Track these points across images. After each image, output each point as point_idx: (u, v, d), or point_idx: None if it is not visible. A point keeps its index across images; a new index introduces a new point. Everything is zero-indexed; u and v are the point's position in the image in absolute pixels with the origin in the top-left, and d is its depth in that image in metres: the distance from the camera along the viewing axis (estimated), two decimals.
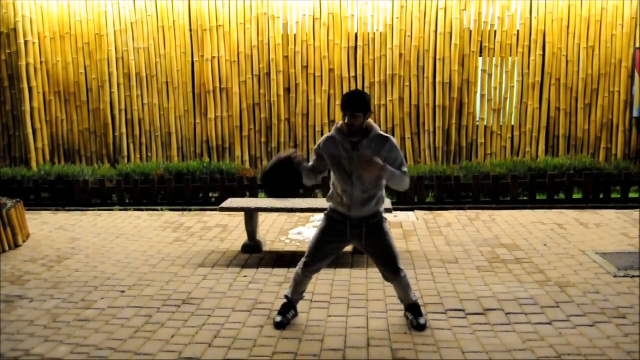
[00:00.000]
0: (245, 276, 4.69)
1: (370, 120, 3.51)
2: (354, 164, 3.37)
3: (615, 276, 4.50)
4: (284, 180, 3.42)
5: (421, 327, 3.60)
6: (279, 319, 3.69)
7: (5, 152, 8.46)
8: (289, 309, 3.75)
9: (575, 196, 7.26)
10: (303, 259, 3.65)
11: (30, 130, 8.21)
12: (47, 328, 3.70)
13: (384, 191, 3.59)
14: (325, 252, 3.60)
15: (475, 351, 3.30)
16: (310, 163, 3.60)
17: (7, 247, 5.47)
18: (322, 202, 5.50)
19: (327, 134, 3.57)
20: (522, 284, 4.38)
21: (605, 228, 6.01)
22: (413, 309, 3.68)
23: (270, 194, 3.56)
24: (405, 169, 3.48)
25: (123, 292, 4.36)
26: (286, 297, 3.78)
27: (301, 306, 3.96)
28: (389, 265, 3.55)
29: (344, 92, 8.11)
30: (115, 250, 5.47)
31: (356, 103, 3.36)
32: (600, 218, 6.46)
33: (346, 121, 3.37)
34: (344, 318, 3.80)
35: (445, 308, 3.94)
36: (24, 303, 4.15)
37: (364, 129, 3.43)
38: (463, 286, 4.36)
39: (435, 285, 4.39)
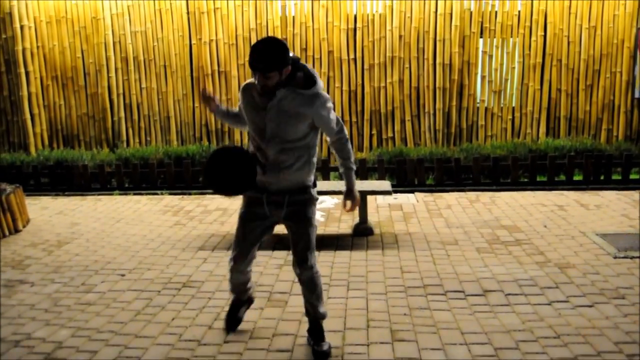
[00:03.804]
0: None
1: (305, 66, 2.81)
2: (267, 117, 2.78)
3: (615, 257, 4.51)
4: (234, 171, 2.83)
5: (322, 356, 3.00)
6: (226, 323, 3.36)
7: (3, 137, 8.43)
8: (237, 308, 3.36)
9: (576, 177, 7.25)
10: (231, 255, 3.10)
11: (28, 116, 8.18)
12: (48, 312, 3.72)
13: (313, 157, 2.89)
14: (251, 240, 3.04)
15: (475, 332, 3.31)
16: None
17: (7, 232, 5.48)
18: (327, 185, 5.49)
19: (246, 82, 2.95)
20: (522, 265, 4.39)
21: (606, 209, 6.01)
22: (314, 330, 3.11)
23: (219, 190, 2.97)
24: (344, 134, 2.94)
25: (123, 275, 4.37)
26: (233, 301, 3.37)
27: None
28: (298, 254, 2.98)
29: (344, 74, 8.06)
30: (115, 234, 5.48)
31: (267, 61, 2.61)
32: (601, 199, 6.45)
33: (257, 82, 2.71)
34: (344, 300, 3.81)
35: (445, 289, 3.95)
36: (25, 287, 4.16)
37: (283, 81, 2.74)
38: (463, 267, 4.37)
39: (435, 267, 4.40)
